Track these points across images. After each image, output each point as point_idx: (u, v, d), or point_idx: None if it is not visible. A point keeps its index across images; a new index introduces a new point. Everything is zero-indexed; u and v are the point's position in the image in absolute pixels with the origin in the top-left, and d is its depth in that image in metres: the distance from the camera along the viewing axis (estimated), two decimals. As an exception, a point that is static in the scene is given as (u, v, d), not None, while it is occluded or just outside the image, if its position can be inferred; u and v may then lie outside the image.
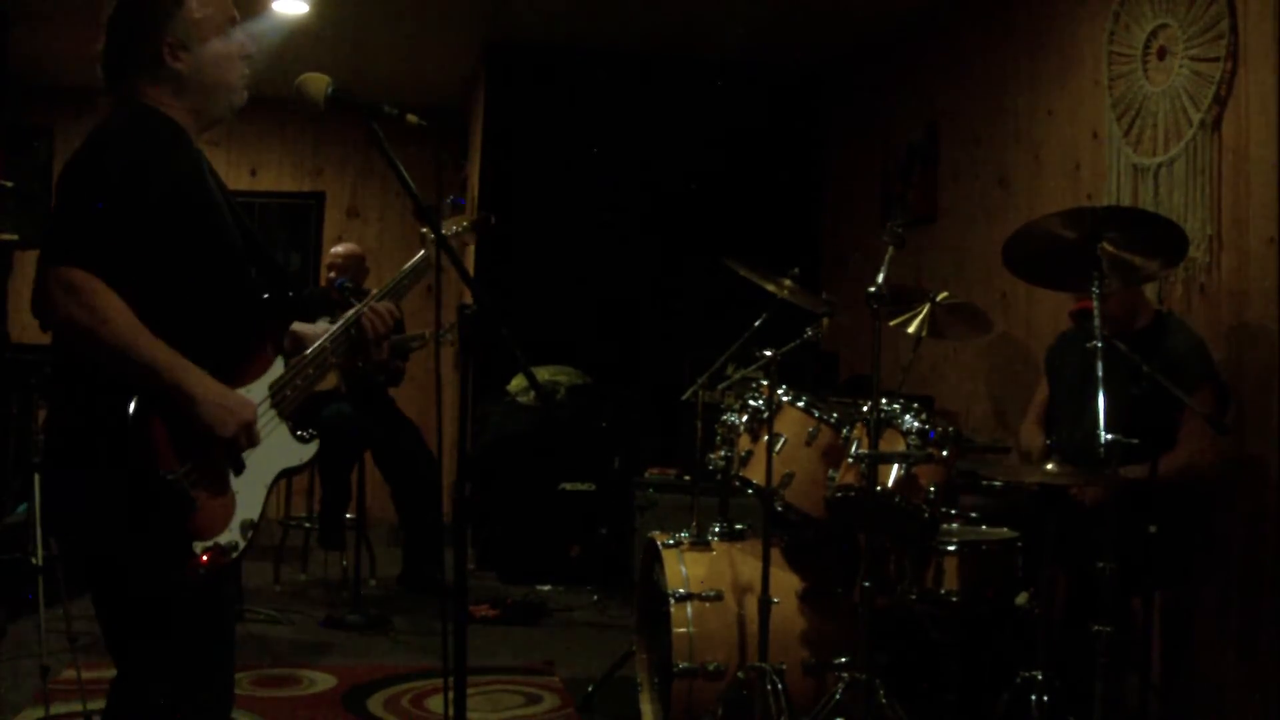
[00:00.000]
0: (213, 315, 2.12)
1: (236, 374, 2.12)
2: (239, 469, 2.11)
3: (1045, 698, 3.04)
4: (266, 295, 2.22)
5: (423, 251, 2.53)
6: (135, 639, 2.09)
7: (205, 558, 2.01)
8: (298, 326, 2.32)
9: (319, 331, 2.33)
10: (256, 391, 2.16)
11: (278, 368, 2.22)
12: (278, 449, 2.19)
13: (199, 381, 2.02)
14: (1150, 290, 3.95)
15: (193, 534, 2.01)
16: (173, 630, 2.07)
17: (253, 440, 2.11)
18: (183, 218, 2.08)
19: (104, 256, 1.95)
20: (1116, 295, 3.46)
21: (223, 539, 2.05)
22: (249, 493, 2.12)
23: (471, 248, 6.85)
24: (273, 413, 2.19)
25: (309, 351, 2.28)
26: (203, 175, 2.16)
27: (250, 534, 2.10)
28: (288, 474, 2.25)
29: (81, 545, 2.10)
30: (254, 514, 2.12)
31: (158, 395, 1.98)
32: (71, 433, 2.05)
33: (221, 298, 2.15)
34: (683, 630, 3.41)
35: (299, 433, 2.25)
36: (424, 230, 2.56)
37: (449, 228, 2.59)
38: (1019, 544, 3.33)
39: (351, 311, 2.37)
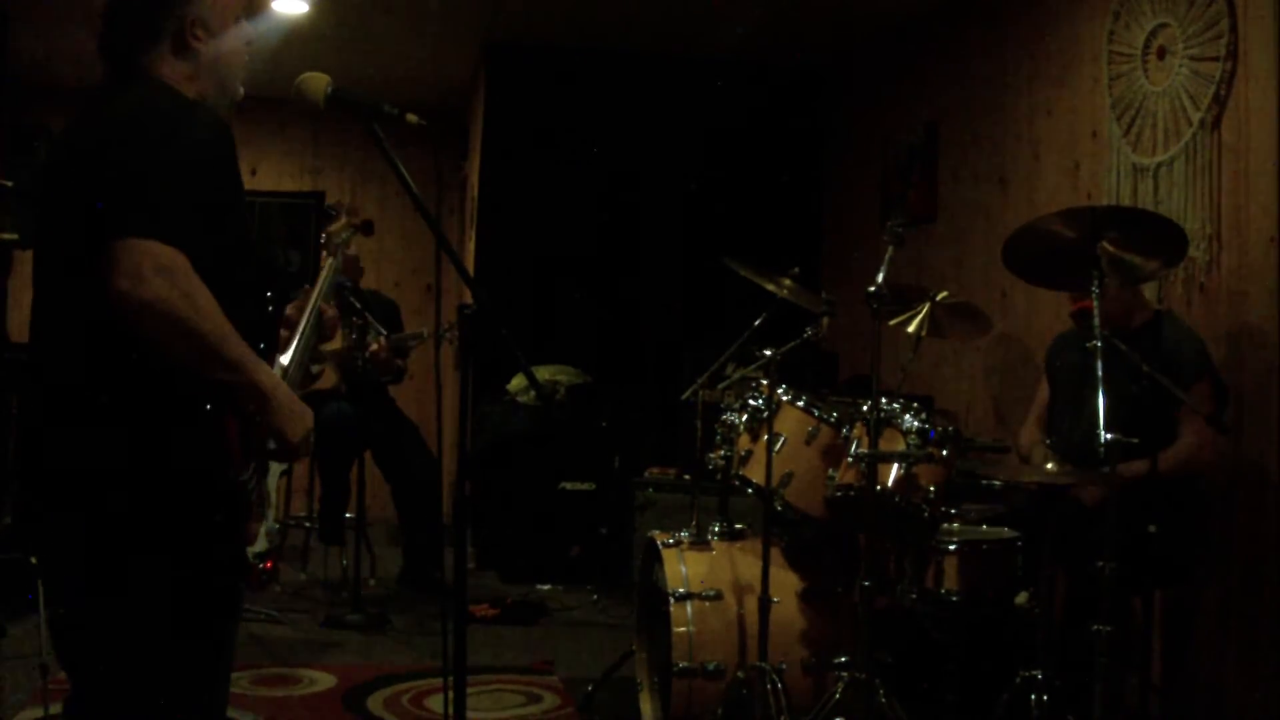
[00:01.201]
0: (247, 309, 2.01)
1: None
2: (266, 474, 2.07)
3: (1045, 698, 3.04)
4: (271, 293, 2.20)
5: (331, 260, 2.58)
6: (147, 652, 1.92)
7: (269, 564, 1.97)
8: None
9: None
10: None
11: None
12: None
13: (275, 383, 1.93)
14: (1150, 290, 3.95)
15: (247, 540, 1.94)
16: (202, 640, 1.96)
17: (309, 448, 2.01)
18: (229, 203, 1.97)
19: (187, 235, 1.79)
20: (1112, 295, 3.46)
21: (271, 544, 2.03)
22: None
23: (472, 246, 6.86)
24: None
25: (288, 361, 2.23)
26: (238, 161, 2.05)
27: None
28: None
29: (117, 560, 1.87)
30: (271, 520, 2.11)
31: (231, 394, 1.86)
32: (112, 436, 1.85)
33: (251, 291, 2.07)
34: (682, 630, 3.41)
35: None
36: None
37: (337, 233, 2.66)
38: (1019, 544, 3.33)
39: (305, 322, 2.34)
